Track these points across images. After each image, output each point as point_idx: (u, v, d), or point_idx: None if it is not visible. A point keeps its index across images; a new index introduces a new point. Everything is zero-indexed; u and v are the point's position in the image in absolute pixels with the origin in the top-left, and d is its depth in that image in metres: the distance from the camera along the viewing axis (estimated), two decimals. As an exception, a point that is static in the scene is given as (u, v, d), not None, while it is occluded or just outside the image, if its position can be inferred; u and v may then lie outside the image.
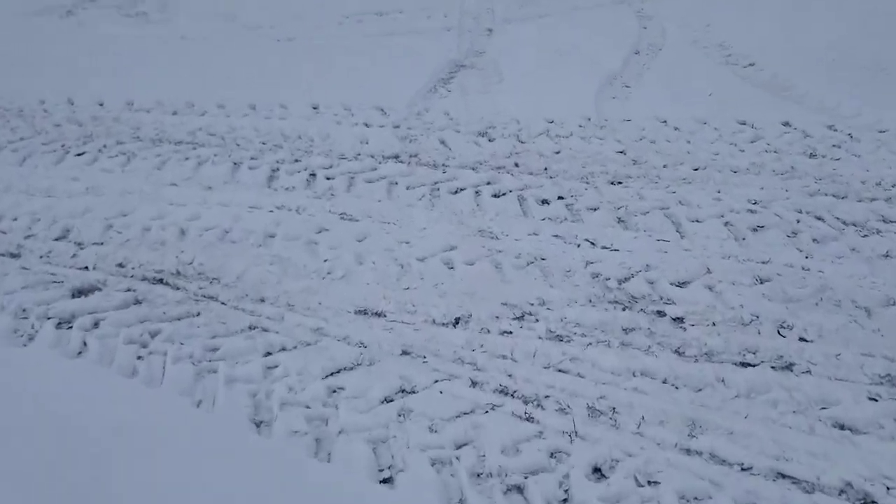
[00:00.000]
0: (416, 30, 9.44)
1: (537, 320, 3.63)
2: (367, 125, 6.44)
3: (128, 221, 4.82)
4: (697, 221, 4.50)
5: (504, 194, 5.04)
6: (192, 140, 6.20)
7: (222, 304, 3.92)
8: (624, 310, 3.67)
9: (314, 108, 6.88)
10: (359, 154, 5.85)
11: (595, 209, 4.75)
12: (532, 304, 3.75)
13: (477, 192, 5.09)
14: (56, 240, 4.65)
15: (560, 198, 4.93)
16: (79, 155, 5.97)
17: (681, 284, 3.87)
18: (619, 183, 5.11)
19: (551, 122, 6.38)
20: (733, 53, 7.93)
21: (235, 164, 5.67)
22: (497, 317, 3.68)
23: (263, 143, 6.11)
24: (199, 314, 3.81)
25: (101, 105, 7.18)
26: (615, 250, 4.23)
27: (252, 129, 6.37)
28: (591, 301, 3.76)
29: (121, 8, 11.69)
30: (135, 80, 7.82)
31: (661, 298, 3.77)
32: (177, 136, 6.28)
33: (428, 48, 8.58)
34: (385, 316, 3.76)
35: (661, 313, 3.63)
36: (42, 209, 5.03)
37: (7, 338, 3.64)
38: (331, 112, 6.77)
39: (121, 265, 4.31)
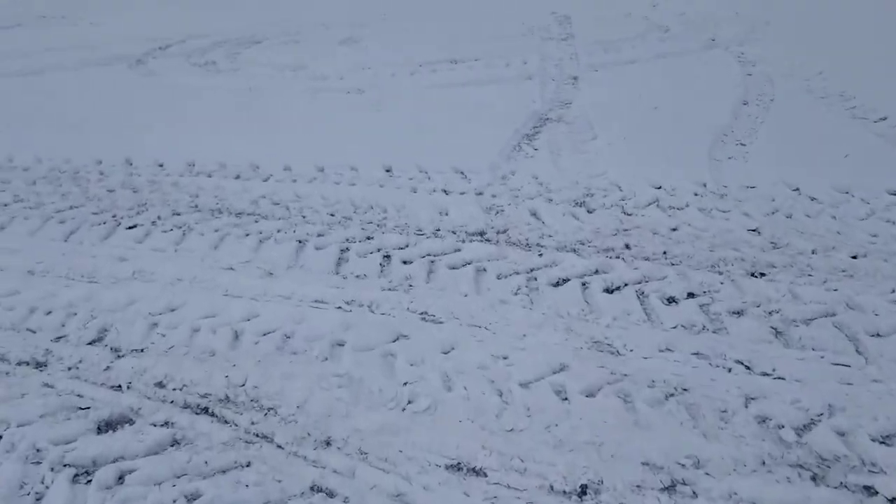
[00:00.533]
0: (494, 79, 8.54)
1: (695, 495, 2.60)
2: (445, 192, 5.53)
3: (175, 319, 3.98)
4: (879, 336, 3.42)
5: (618, 288, 4.04)
6: (255, 211, 5.38)
7: (279, 447, 3.00)
8: (816, 482, 2.61)
9: (387, 171, 6.01)
10: (438, 229, 4.94)
11: (739, 313, 3.71)
12: (684, 467, 2.73)
13: (584, 285, 4.10)
14: (90, 343, 3.83)
15: (691, 295, 3.90)
16: (130, 228, 5.19)
17: (886, 440, 2.81)
18: (762, 274, 4.06)
19: (659, 189, 5.37)
20: (858, 105, 6.79)
21: (300, 242, 4.81)
22: (638, 486, 2.67)
23: (332, 216, 5.24)
24: (249, 464, 2.90)
25: (161, 166, 6.44)
26: (780, 378, 3.19)
27: (320, 198, 5.52)
28: (764, 464, 2.72)
29: (190, 57, 11.12)
30: (199, 136, 7.10)
31: (863, 463, 2.71)
32: (238, 206, 5.46)
33: (508, 99, 7.67)
34: (486, 475, 2.79)
35: (869, 490, 2.57)
36: (80, 299, 4.22)
37: (11, 495, 2.79)
38: (405, 175, 5.88)
39: (160, 384, 3.44)
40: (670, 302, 3.86)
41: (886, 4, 11.17)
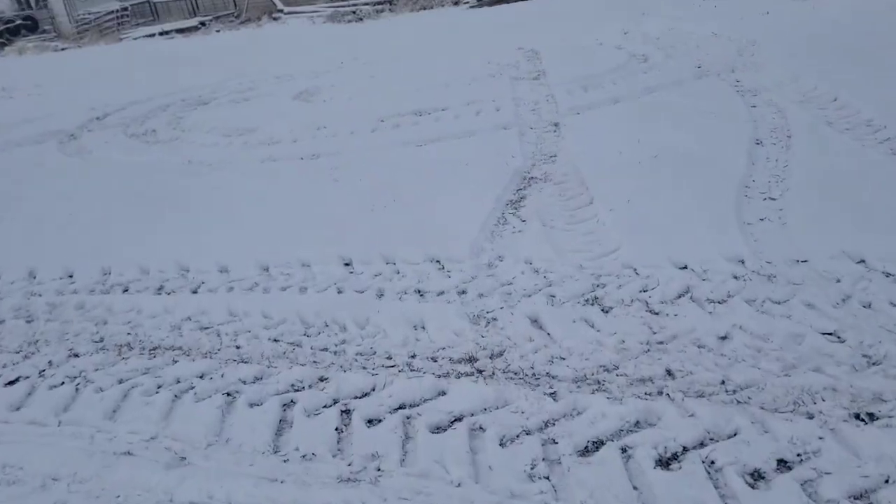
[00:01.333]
0: (465, 131, 7.26)
1: None
2: (420, 293, 4.22)
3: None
4: None
5: (676, 458, 2.71)
6: (175, 343, 4.02)
7: None
8: None
9: (347, 266, 4.69)
10: (413, 356, 3.62)
11: (861, 497, 2.40)
12: None
13: (625, 452, 2.78)
14: None
15: (783, 465, 2.59)
16: (9, 384, 3.80)
17: None
18: (871, 418, 2.75)
19: (686, 270, 4.09)
20: (893, 136, 5.58)
21: (229, 396, 3.45)
22: None
23: (275, 342, 3.90)
24: None
25: (70, 277, 5.07)
26: None
27: (260, 316, 4.18)
28: None
29: (128, 126, 9.77)
30: (121, 231, 5.74)
31: None
32: (155, 337, 4.11)
33: (484, 156, 6.39)
34: None
35: None
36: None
37: None
38: (369, 271, 4.56)
39: None
40: (756, 479, 2.54)
41: (877, 9, 10.07)
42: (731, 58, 8.95)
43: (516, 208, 5.31)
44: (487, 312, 3.94)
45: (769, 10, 11.71)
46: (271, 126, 8.60)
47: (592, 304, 3.90)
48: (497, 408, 3.13)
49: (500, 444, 2.89)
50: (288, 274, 4.67)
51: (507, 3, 20.63)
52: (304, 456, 2.96)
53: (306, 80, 11.91)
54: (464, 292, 4.19)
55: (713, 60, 8.96)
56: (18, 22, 29.84)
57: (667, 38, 11.18)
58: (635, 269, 4.18)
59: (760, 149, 5.75)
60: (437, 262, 4.57)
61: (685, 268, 4.14)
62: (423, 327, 3.87)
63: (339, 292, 4.36)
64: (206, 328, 4.13)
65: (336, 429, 3.12)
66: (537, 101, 8.17)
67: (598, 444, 2.82)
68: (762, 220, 4.60)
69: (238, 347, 3.89)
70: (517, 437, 2.93)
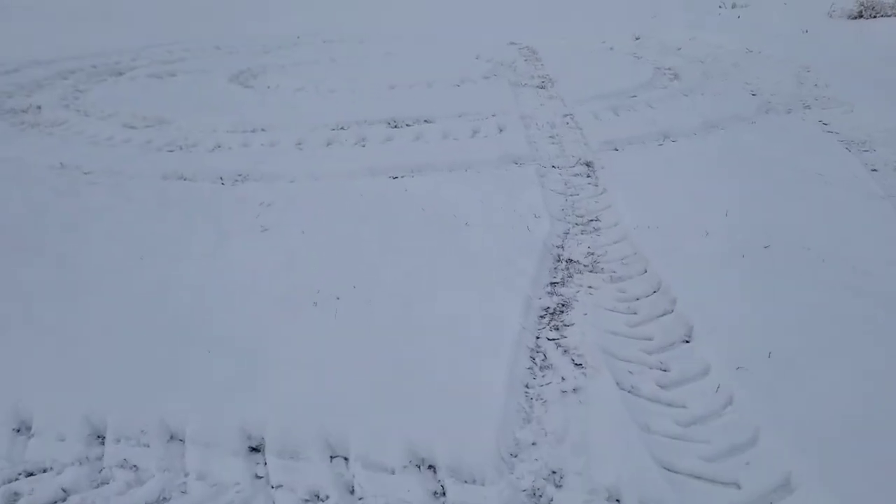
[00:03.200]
0: (460, 160, 4.93)
1: None
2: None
3: None
4: None
5: None
6: None
7: None
8: None
9: (253, 451, 2.32)
10: None
11: None
12: None
13: None
14: None
15: None
16: None
17: None
18: None
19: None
20: None
21: None
22: None
23: None
24: None
25: None
26: None
27: None
28: None
29: (7, 99, 7.12)
30: None
31: None
32: None
33: (492, 208, 4.12)
34: None
35: None
36: None
37: None
38: (293, 478, 2.20)
39: None
40: None
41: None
42: (792, 86, 6.78)
43: (558, 328, 3.03)
44: None
45: (808, 28, 9.59)
46: (191, 119, 6.09)
47: None
48: None
49: None
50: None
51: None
52: None
53: (251, 56, 9.35)
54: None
55: (770, 87, 6.78)
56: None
57: (691, 49, 8.97)
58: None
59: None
60: (433, 474, 2.24)
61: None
62: None
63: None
64: None
65: None
66: (553, 122, 5.85)
67: None
68: None
69: None
70: None
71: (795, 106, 6.08)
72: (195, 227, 3.97)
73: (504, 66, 8.34)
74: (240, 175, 4.83)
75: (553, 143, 5.32)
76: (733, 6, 11.65)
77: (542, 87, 7.21)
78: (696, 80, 7.20)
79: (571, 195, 4.45)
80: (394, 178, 4.72)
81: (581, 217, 4.15)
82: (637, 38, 9.91)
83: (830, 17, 10.21)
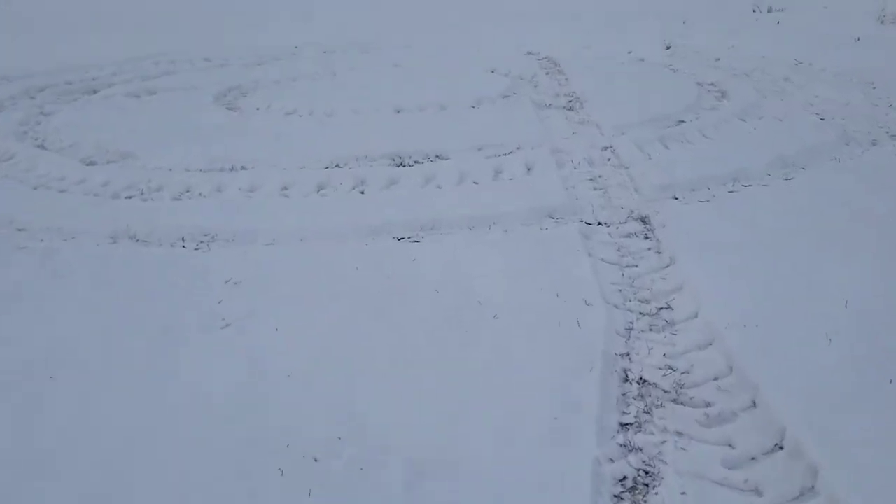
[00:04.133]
0: (483, 213, 3.87)
1: None
2: None
3: None
4: None
5: None
6: None
7: None
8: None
9: None
10: None
11: None
12: None
13: None
14: None
15: None
16: None
17: None
18: None
19: None
20: None
21: None
22: None
23: None
24: None
25: None
26: None
27: None
28: None
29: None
30: None
31: None
32: None
33: (527, 286, 3.05)
34: None
35: None
36: None
37: None
38: None
39: None
40: None
41: None
42: (864, 108, 5.67)
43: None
44: None
45: (859, 35, 8.45)
46: (161, 153, 5.04)
47: None
48: None
49: None
50: None
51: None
52: None
53: (243, 69, 8.29)
54: None
55: (838, 110, 5.69)
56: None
57: (732, 60, 7.86)
58: None
59: None
60: None
61: None
62: None
63: None
64: None
65: None
66: (591, 157, 4.76)
67: None
68: None
69: None
70: None
71: (879, 135, 4.98)
72: (133, 321, 2.91)
73: (524, 82, 7.25)
74: (206, 235, 3.76)
75: (595, 189, 4.23)
76: (769, 10, 10.50)
77: (570, 109, 6.12)
78: (749, 99, 6.09)
79: (628, 266, 3.36)
80: (399, 240, 3.65)
81: (646, 303, 3.06)
82: (668, 48, 8.81)
83: (882, 22, 9.07)
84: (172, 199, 4.29)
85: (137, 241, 3.77)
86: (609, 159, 4.73)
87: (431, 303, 3.01)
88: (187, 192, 4.42)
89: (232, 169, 4.75)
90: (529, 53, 8.98)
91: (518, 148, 4.95)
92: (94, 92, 7.40)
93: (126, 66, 8.50)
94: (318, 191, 4.33)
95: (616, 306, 3.02)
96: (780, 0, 10.92)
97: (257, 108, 6.47)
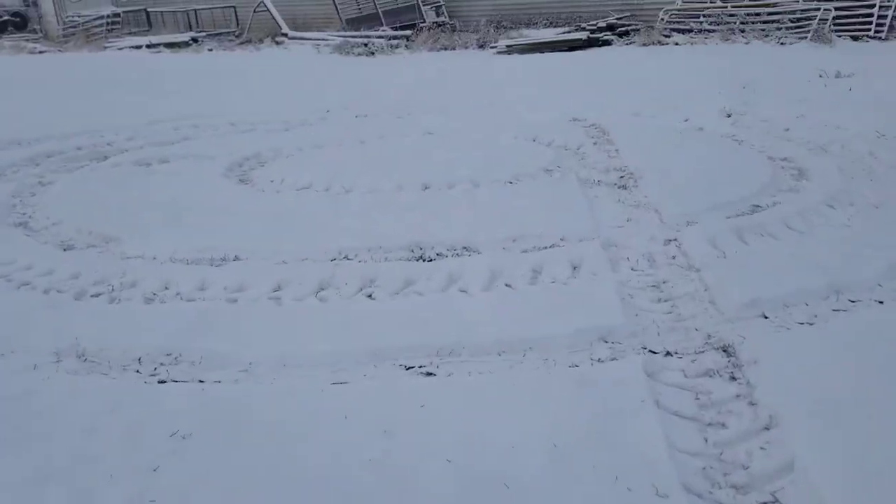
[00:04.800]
0: (519, 336, 2.96)
1: None
2: None
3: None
4: None
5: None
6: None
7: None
8: None
9: None
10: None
11: None
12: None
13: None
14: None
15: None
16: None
17: None
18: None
19: None
20: None
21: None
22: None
23: None
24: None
25: None
26: None
27: None
28: None
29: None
30: None
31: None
32: None
33: (572, 473, 2.12)
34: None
35: None
36: None
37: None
38: None
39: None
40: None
41: None
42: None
43: None
44: None
45: (947, 104, 7.44)
46: (148, 238, 4.32)
47: None
48: None
49: None
50: None
51: (541, 52, 16.54)
52: None
53: (266, 135, 7.66)
54: None
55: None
56: (6, 18, 25.80)
57: (803, 131, 6.93)
58: None
59: None
60: None
61: None
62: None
63: None
64: None
65: None
66: (651, 254, 3.86)
67: None
68: None
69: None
70: None
71: None
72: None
73: (569, 153, 6.44)
74: (168, 355, 2.96)
75: (660, 301, 3.32)
76: (837, 76, 9.57)
77: (623, 188, 5.27)
78: (833, 180, 5.16)
79: (712, 425, 2.43)
80: (408, 369, 2.77)
81: (743, 492, 2.11)
82: (729, 115, 7.92)
83: (970, 89, 8.06)
84: (144, 301, 3.51)
85: (85, 360, 2.98)
86: (674, 257, 3.83)
87: (440, 480, 2.12)
88: (165, 289, 3.65)
89: (223, 260, 3.98)
90: (575, 120, 8.19)
91: (562, 239, 4.09)
92: (105, 158, 6.82)
93: (144, 131, 7.97)
94: (318, 293, 3.51)
95: (700, 496, 2.08)
96: (849, 64, 9.99)
97: (271, 181, 5.77)
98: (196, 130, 8.13)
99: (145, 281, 3.73)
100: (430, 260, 3.88)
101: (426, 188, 5.29)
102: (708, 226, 4.21)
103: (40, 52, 21.04)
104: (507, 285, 3.54)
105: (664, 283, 3.54)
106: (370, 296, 3.49)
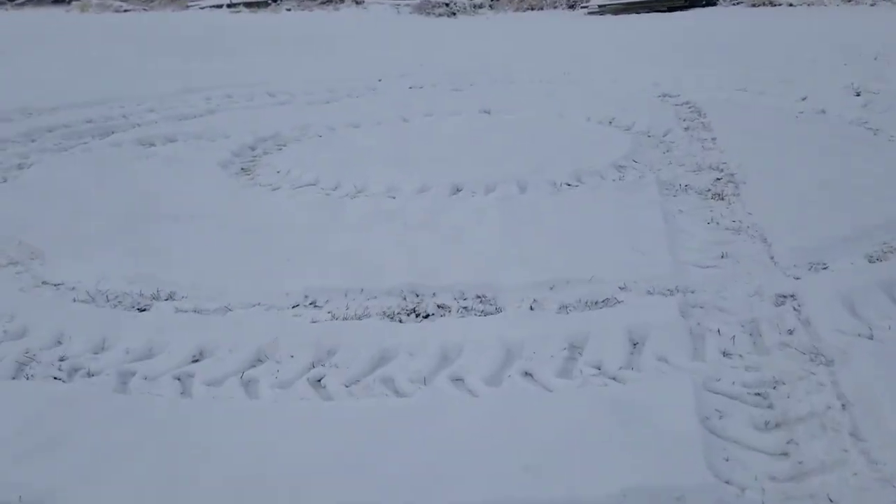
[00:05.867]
0: (549, 498, 1.61)
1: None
2: None
3: None
4: None
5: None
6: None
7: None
8: None
9: None
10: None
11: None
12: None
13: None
14: None
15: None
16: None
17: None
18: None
19: None
20: None
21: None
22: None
23: None
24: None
25: None
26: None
27: None
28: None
29: None
30: None
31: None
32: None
33: None
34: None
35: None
36: None
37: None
38: None
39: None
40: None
41: None
42: None
43: None
44: None
45: None
46: (82, 254, 3.28)
47: None
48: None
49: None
50: None
51: (638, 13, 14.71)
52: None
53: (301, 109, 6.60)
54: None
55: None
56: (99, -25, 25.68)
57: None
58: None
59: None
60: None
61: None
62: None
63: None
64: None
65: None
66: (755, 320, 2.47)
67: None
68: None
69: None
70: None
71: None
72: None
73: (651, 142, 5.02)
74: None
75: (768, 426, 1.97)
76: None
77: (719, 197, 3.85)
78: None
79: None
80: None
81: None
82: (858, 94, 6.21)
83: None
84: (15, 364, 2.44)
85: None
86: (791, 332, 2.43)
87: None
88: (58, 343, 2.58)
89: (153, 299, 2.89)
90: (664, 96, 6.67)
91: (622, 289, 2.75)
92: (110, 134, 5.87)
93: (171, 101, 7.00)
94: (245, 372, 2.34)
95: None
96: None
97: (277, 172, 4.66)
98: (227, 101, 7.11)
99: (38, 329, 2.67)
100: (425, 317, 2.64)
101: (456, 191, 4.03)
102: (842, 273, 2.77)
103: (125, 11, 20.75)
104: (526, 373, 2.26)
105: (775, 385, 2.16)
106: (320, 381, 2.28)
